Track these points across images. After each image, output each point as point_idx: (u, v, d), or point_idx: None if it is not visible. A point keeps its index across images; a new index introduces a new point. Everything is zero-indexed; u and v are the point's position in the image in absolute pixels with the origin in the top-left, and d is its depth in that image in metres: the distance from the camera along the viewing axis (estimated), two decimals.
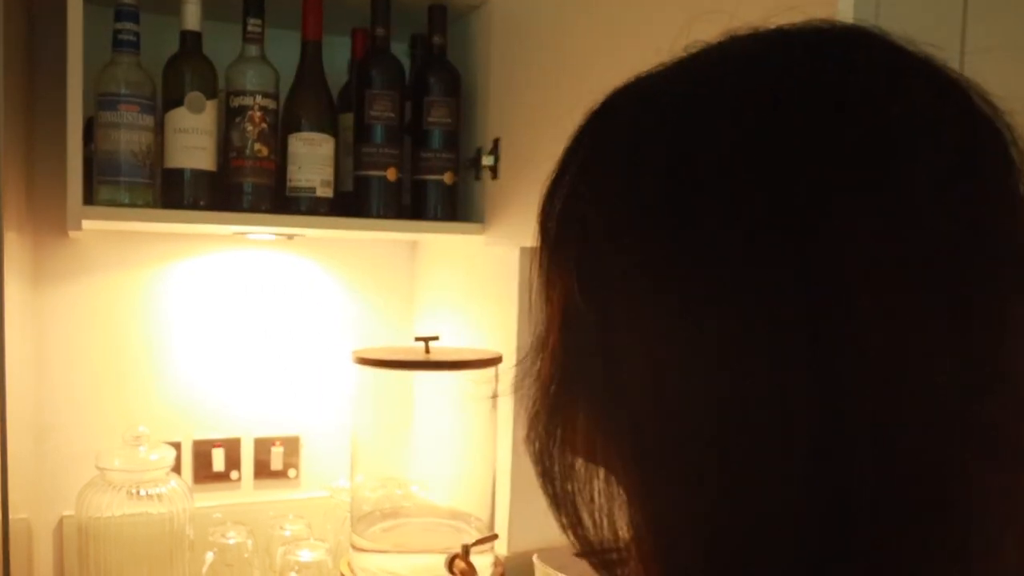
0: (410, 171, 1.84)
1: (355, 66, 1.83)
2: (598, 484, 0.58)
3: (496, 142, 1.75)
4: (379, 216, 1.77)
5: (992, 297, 0.49)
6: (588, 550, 0.59)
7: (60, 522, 1.88)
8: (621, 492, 0.56)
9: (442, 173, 1.81)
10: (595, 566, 0.59)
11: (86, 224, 1.49)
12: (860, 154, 0.49)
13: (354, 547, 1.72)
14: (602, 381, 0.55)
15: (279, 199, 1.71)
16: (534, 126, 1.62)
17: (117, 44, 1.57)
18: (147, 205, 1.59)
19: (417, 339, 1.69)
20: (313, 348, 2.09)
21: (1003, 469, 0.49)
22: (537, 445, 0.60)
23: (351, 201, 1.79)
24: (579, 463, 0.59)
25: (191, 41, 1.64)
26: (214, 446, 2.01)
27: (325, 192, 1.73)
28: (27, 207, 1.70)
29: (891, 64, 0.53)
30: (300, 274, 2.07)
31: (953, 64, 0.53)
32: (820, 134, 0.49)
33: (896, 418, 0.48)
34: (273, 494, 2.07)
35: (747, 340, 0.49)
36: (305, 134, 1.71)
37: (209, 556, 1.83)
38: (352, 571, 1.69)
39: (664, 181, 0.52)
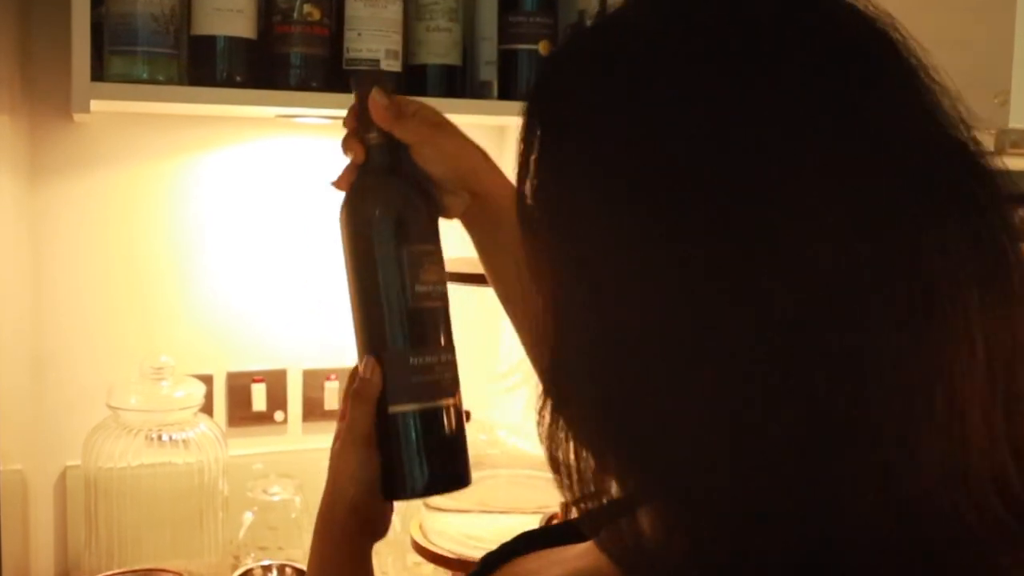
0: (496, 39, 1.82)
1: None
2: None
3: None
4: (458, 95, 1.76)
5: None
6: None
7: (63, 474, 1.90)
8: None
9: (536, 42, 1.77)
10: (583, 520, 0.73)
11: (95, 105, 1.49)
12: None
13: (427, 505, 1.71)
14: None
15: (334, 74, 1.68)
16: None
17: None
18: (170, 81, 1.57)
19: None
20: None
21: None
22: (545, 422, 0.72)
23: (423, 76, 1.76)
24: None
25: None
26: (253, 380, 2.02)
27: (391, 65, 1.69)
28: (22, 85, 1.72)
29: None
30: None
31: None
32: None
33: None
34: (326, 440, 1.96)
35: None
36: None
37: (248, 516, 1.84)
38: (425, 535, 1.69)
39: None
